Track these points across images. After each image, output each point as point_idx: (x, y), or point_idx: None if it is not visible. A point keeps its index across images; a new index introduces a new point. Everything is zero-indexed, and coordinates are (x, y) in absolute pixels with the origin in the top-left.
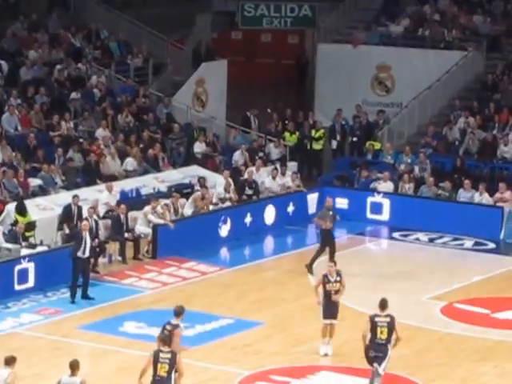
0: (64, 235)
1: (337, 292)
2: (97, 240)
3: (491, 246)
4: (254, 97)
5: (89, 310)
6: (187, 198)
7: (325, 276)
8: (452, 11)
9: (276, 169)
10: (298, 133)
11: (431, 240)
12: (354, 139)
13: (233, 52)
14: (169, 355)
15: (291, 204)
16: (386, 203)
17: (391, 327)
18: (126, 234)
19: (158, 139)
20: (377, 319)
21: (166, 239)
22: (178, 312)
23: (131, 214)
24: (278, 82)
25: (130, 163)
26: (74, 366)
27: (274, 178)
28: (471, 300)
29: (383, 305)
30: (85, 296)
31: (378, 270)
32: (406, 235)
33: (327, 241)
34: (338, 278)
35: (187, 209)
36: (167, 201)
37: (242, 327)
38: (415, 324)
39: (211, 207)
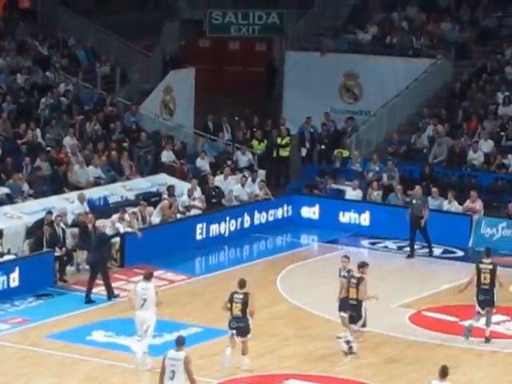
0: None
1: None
2: (64, 248)
3: (460, 253)
4: (222, 104)
5: (57, 319)
6: (155, 207)
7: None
8: (420, 19)
9: (245, 176)
10: (266, 141)
11: (400, 248)
12: (322, 147)
13: (200, 60)
14: (241, 296)
15: (259, 212)
16: (355, 211)
17: (493, 273)
18: None
19: (126, 147)
20: (481, 266)
21: (133, 247)
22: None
23: (99, 222)
24: (246, 90)
25: (92, 171)
26: (179, 342)
27: (242, 185)
28: (440, 308)
29: (488, 253)
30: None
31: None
32: (374, 243)
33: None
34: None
35: (155, 217)
36: (135, 209)
37: (210, 336)
38: (384, 332)
39: (178, 215)
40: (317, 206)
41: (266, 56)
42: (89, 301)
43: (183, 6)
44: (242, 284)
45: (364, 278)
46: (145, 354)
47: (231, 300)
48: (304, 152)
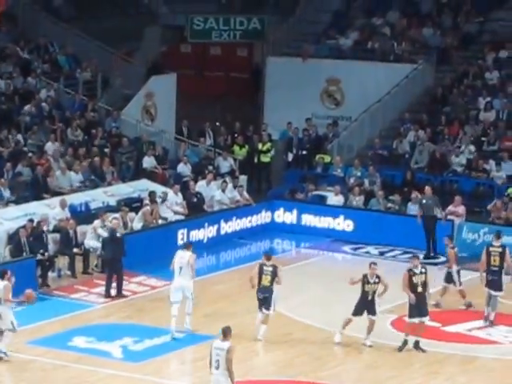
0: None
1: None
2: (46, 254)
3: (442, 259)
4: (204, 110)
5: (38, 324)
6: (136, 212)
7: (364, 276)
8: (401, 24)
9: (225, 182)
10: (247, 146)
11: (381, 253)
12: (304, 152)
13: (182, 65)
14: (271, 268)
15: (240, 218)
16: (337, 217)
17: (503, 256)
18: (75, 249)
19: (107, 153)
20: (491, 249)
21: None
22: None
23: (80, 228)
24: (228, 95)
25: (73, 177)
26: (226, 332)
27: (223, 190)
28: None
29: (498, 235)
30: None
31: (328, 283)
32: (355, 248)
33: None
34: (377, 280)
35: (136, 223)
36: (116, 215)
37: (192, 341)
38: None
39: (160, 221)
40: (298, 212)
41: (247, 61)
42: (108, 295)
43: (165, 11)
44: (269, 257)
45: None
46: (188, 315)
47: (261, 271)
48: (290, 157)
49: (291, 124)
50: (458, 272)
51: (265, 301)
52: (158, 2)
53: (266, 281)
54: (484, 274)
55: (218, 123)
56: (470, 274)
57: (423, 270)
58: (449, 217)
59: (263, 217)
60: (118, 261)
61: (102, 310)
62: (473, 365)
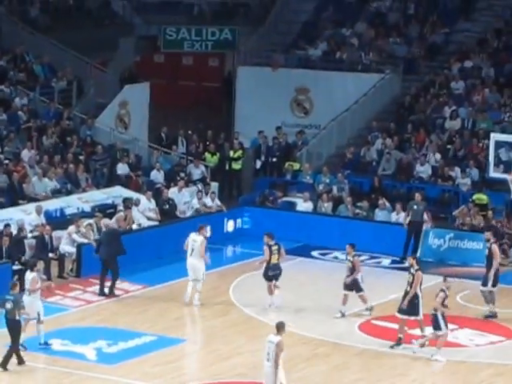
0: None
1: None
2: (23, 258)
3: (408, 264)
4: (177, 118)
5: None
6: (110, 218)
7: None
8: (369, 34)
9: (201, 191)
10: (218, 154)
11: None
12: (274, 160)
13: (155, 75)
14: (276, 247)
15: (212, 223)
16: (306, 223)
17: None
18: (51, 254)
19: (82, 160)
20: None
21: (89, 258)
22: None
23: (55, 233)
24: (200, 104)
25: (49, 184)
26: (278, 327)
27: (200, 199)
28: (389, 317)
29: None
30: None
31: (297, 288)
32: (324, 254)
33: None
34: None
35: None
36: (91, 220)
37: (164, 344)
38: (334, 340)
39: (134, 227)
40: (268, 218)
41: (218, 71)
42: (102, 293)
43: (138, 22)
44: (272, 235)
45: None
46: (198, 293)
47: (271, 252)
48: (258, 164)
49: (263, 132)
50: (361, 278)
51: (277, 275)
52: (132, 13)
53: (275, 259)
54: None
55: (190, 131)
56: (435, 280)
57: (412, 271)
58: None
59: (234, 223)
60: (113, 259)
61: (77, 313)
62: (439, 367)
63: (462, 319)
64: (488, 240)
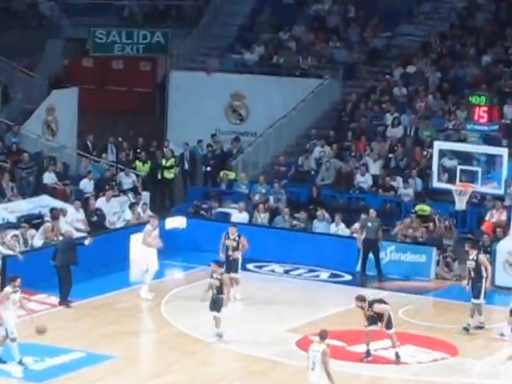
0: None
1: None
2: None
3: (347, 277)
4: (107, 125)
5: None
6: (37, 229)
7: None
8: (308, 38)
9: (134, 203)
10: (150, 162)
11: (286, 271)
12: (208, 169)
13: (84, 79)
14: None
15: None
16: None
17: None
18: None
19: (7, 168)
20: None
21: (15, 271)
22: None
23: None
24: (131, 110)
25: None
26: (322, 335)
27: (133, 210)
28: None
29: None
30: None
31: (231, 302)
32: (260, 266)
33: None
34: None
35: (37, 240)
36: (16, 231)
37: (93, 361)
38: (271, 357)
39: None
40: (202, 229)
41: (150, 76)
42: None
43: (66, 24)
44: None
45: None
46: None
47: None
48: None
49: (202, 141)
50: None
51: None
52: (61, 15)
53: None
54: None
55: (120, 138)
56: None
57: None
58: (355, 235)
59: (167, 234)
60: (66, 268)
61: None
62: None
63: (404, 335)
64: (467, 252)
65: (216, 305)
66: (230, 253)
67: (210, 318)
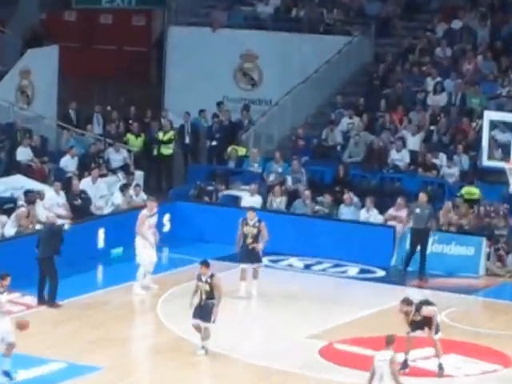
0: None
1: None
2: None
3: (380, 273)
4: (92, 91)
5: None
6: (9, 215)
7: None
8: None
9: (126, 184)
10: (144, 135)
11: (307, 266)
12: (214, 143)
13: (66, 36)
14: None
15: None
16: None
17: None
18: None
19: None
20: None
21: None
22: None
23: None
24: (121, 73)
25: None
26: (388, 341)
27: (124, 193)
28: (355, 339)
29: None
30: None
31: (243, 301)
32: (276, 261)
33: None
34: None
35: (9, 228)
36: None
37: (75, 373)
38: (289, 369)
39: (38, 226)
40: (206, 216)
41: (145, 32)
42: (41, 301)
43: None
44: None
45: None
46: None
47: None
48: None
49: (206, 111)
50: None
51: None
52: None
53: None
54: None
55: (108, 107)
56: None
57: None
58: (389, 222)
59: (164, 221)
60: (50, 260)
61: None
62: None
63: (447, 343)
64: None
65: (204, 313)
66: (250, 241)
67: (192, 327)
